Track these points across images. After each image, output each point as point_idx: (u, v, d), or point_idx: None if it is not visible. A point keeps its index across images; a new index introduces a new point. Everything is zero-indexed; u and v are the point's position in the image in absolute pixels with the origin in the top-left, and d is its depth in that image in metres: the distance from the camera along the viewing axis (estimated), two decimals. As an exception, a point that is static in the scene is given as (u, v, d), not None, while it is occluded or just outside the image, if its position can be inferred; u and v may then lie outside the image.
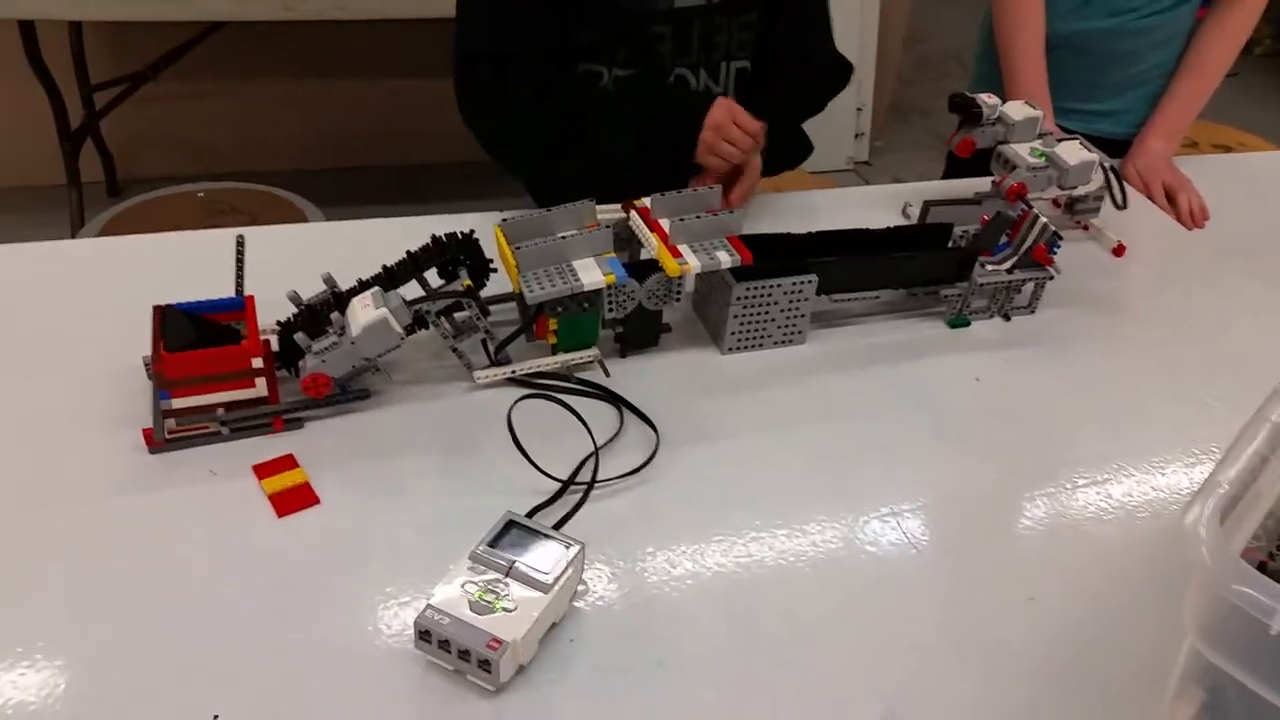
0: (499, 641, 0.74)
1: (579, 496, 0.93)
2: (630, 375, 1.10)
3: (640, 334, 1.14)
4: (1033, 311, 1.28)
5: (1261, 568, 0.60)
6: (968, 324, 1.25)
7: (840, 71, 1.49)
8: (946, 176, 1.82)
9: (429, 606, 0.76)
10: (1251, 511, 0.65)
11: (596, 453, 0.98)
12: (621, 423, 1.04)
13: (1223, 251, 1.47)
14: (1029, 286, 1.26)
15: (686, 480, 0.98)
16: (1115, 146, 1.62)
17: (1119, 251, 1.42)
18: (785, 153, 1.49)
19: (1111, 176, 1.44)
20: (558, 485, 0.94)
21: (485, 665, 0.74)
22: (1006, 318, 1.27)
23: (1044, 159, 1.32)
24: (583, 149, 1.35)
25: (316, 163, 3.15)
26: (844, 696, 0.79)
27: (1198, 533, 0.60)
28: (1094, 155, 1.33)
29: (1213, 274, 1.41)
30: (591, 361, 1.10)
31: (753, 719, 0.77)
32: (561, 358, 1.09)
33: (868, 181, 3.48)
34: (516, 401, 1.00)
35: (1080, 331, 1.26)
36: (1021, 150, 1.32)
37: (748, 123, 1.28)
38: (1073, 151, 1.32)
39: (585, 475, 0.95)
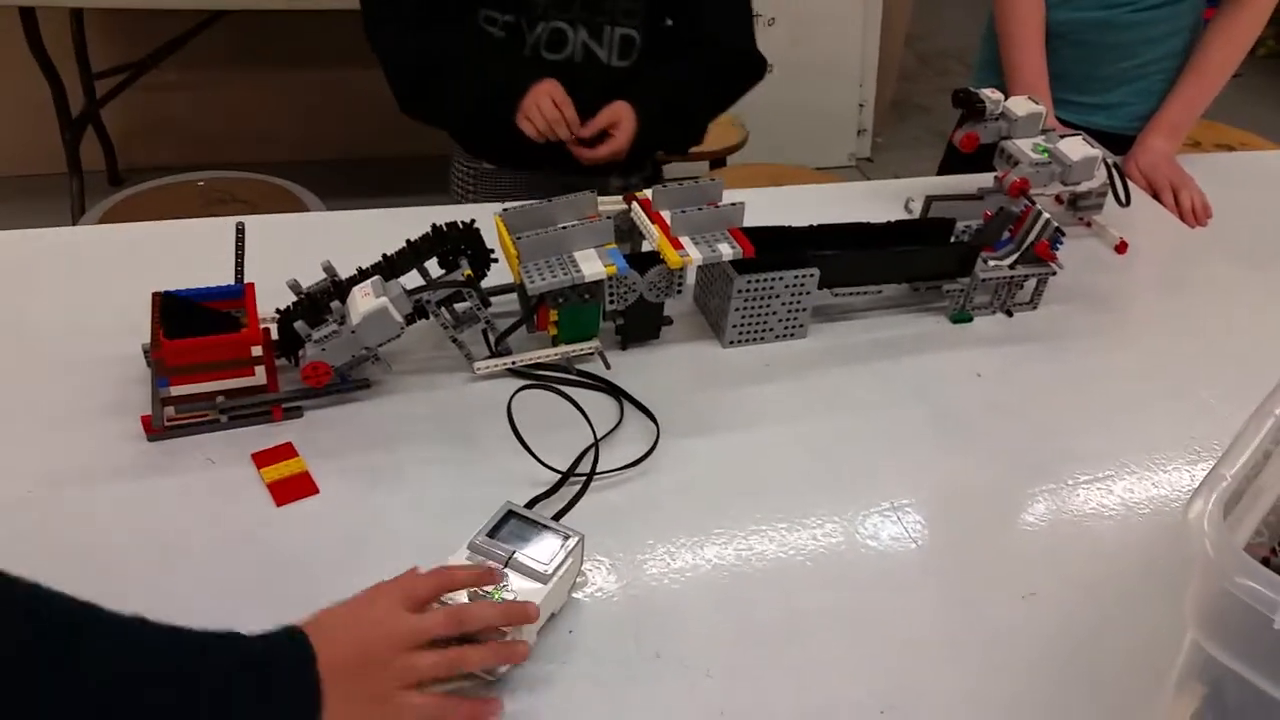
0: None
1: (578, 488, 0.93)
2: (631, 367, 1.10)
3: (641, 326, 1.14)
4: (1035, 307, 1.27)
5: (1264, 564, 0.59)
6: (970, 319, 1.24)
7: (750, 66, 1.48)
8: (944, 168, 1.82)
9: (427, 596, 0.76)
10: (1255, 507, 0.65)
11: (596, 444, 0.97)
12: (621, 415, 1.04)
13: (1224, 249, 1.47)
14: (1031, 282, 1.25)
15: (686, 473, 0.98)
16: (1111, 140, 1.62)
17: (1121, 248, 1.42)
18: (671, 135, 1.50)
19: (1114, 173, 1.44)
20: (557, 476, 0.94)
21: (483, 655, 0.74)
22: (1009, 313, 1.26)
23: (1047, 155, 1.31)
24: (442, 80, 1.41)
25: (317, 153, 3.15)
26: (841, 690, 0.79)
27: (1201, 526, 0.60)
28: (1097, 151, 1.32)
29: (1214, 272, 1.41)
30: (592, 353, 1.10)
31: (749, 712, 0.77)
32: (562, 349, 1.09)
33: (869, 178, 3.48)
34: (516, 392, 1.00)
35: (1082, 328, 1.25)
36: (1024, 146, 1.32)
37: (562, 102, 1.33)
38: (1076, 148, 1.32)
39: (585, 467, 0.95)
